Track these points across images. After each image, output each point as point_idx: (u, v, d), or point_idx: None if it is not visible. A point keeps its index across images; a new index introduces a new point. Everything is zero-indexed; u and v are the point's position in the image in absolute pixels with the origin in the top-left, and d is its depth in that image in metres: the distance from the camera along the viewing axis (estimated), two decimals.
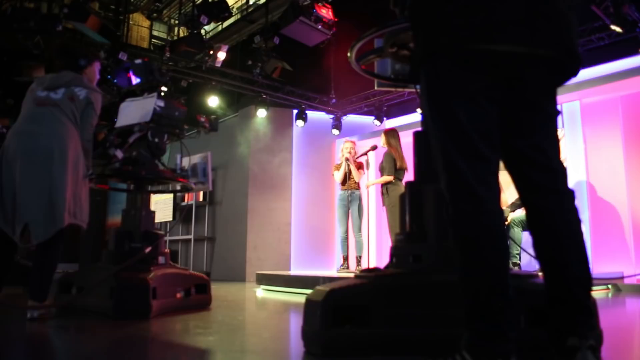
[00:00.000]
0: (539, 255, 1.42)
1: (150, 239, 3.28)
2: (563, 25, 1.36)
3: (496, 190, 1.38)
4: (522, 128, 1.40)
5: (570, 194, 1.42)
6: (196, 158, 3.71)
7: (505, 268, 1.34)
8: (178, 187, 3.87)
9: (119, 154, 3.19)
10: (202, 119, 3.85)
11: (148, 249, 3.14)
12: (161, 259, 3.31)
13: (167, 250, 3.49)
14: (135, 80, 3.53)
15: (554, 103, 1.45)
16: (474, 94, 1.36)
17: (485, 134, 1.36)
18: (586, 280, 1.37)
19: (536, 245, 1.42)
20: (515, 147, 1.41)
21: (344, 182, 6.11)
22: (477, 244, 1.33)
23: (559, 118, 5.87)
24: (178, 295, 3.29)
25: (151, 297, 2.87)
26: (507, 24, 1.31)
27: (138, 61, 3.61)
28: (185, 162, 3.69)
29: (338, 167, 6.22)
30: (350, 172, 6.04)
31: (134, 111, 3.43)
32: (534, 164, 1.39)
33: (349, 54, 2.16)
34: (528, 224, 1.45)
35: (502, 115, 1.40)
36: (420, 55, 1.45)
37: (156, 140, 3.40)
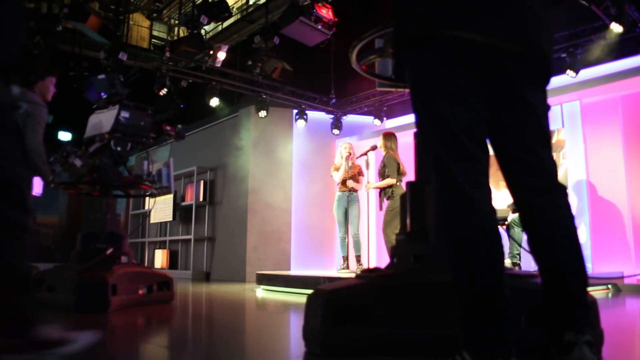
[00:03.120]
0: (535, 254, 1.42)
1: (113, 240, 3.55)
2: (531, 21, 1.36)
3: (487, 190, 1.37)
4: (511, 127, 1.39)
5: (563, 191, 1.42)
6: (159, 164, 3.96)
7: (501, 268, 1.33)
8: (148, 192, 4.15)
9: (78, 162, 3.50)
10: (168, 128, 4.01)
11: (110, 250, 3.43)
12: (124, 259, 3.60)
13: (130, 250, 3.77)
14: (103, 94, 3.81)
15: (544, 99, 1.44)
16: (459, 92, 1.35)
17: (473, 133, 1.35)
18: (582, 275, 1.37)
19: (531, 243, 1.43)
20: (505, 147, 1.40)
21: (343, 183, 6.09)
22: (471, 245, 1.32)
23: (559, 118, 5.88)
24: (140, 291, 3.53)
25: (110, 294, 3.12)
26: (473, 13, 1.32)
27: (101, 76, 3.86)
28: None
29: (338, 168, 6.21)
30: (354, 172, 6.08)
31: (99, 123, 3.71)
32: (525, 165, 1.39)
33: (349, 54, 2.16)
34: (522, 223, 1.45)
35: (491, 114, 1.39)
36: (395, 47, 1.47)
37: (119, 148, 3.64)
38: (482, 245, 1.32)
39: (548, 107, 1.44)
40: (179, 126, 4.13)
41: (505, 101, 1.39)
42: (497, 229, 1.37)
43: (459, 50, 1.33)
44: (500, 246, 1.36)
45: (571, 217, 1.41)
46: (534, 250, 1.42)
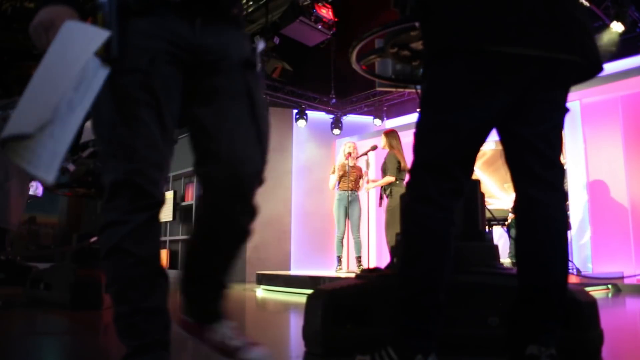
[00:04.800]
0: (520, 248, 1.39)
1: None
2: (583, 30, 1.32)
3: (454, 202, 1.37)
4: (531, 118, 1.36)
5: (564, 194, 1.40)
6: None
7: (444, 272, 1.33)
8: None
9: (71, 167, 3.64)
10: None
11: (94, 239, 3.59)
12: None
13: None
14: None
15: (566, 98, 1.42)
16: (474, 109, 1.32)
17: (463, 153, 1.36)
18: (564, 287, 1.34)
19: (520, 241, 1.39)
20: (523, 135, 1.36)
21: (343, 181, 6.08)
22: (416, 242, 1.36)
23: None
24: None
25: (103, 291, 3.24)
26: (528, 26, 1.25)
27: None
28: None
29: (334, 170, 6.20)
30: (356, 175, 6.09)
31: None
32: (540, 155, 1.35)
33: (349, 54, 2.16)
34: (518, 218, 1.40)
35: (513, 106, 1.35)
36: (429, 54, 1.41)
37: None
38: (426, 244, 1.34)
39: (567, 110, 1.42)
40: None
41: (532, 99, 1.35)
42: (451, 237, 1.35)
43: (493, 60, 1.27)
44: (448, 248, 1.34)
45: (567, 223, 1.39)
46: (521, 249, 1.38)
